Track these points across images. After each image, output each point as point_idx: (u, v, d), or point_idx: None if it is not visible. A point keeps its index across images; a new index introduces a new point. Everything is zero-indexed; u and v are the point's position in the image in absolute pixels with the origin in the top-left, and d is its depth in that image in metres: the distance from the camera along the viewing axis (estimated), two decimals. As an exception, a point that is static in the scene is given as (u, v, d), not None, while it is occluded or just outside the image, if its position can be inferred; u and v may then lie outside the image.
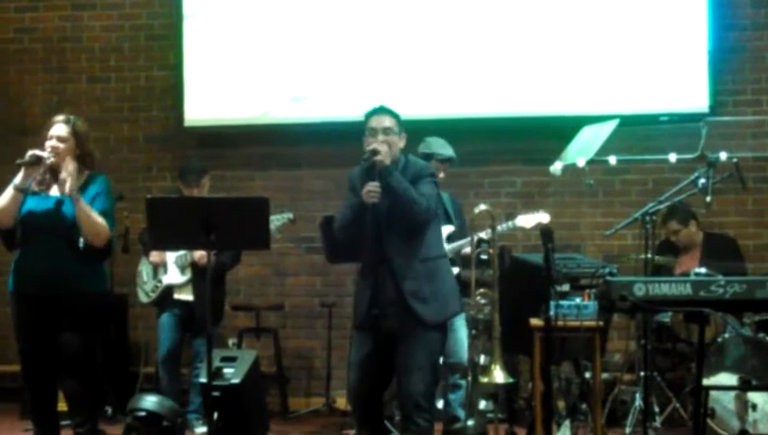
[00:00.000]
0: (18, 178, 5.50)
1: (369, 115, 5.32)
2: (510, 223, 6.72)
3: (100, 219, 5.52)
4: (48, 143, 5.55)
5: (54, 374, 5.60)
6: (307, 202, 8.41)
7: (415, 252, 5.18)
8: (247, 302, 8.46)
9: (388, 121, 5.28)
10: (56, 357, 5.53)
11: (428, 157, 6.62)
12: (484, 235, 6.37)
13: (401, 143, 5.33)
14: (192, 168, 7.49)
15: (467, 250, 6.54)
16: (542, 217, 6.77)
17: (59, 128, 5.60)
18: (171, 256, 7.26)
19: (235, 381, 6.53)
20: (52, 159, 5.51)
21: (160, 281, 7.33)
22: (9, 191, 5.52)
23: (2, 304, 7.65)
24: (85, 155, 5.64)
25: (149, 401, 6.39)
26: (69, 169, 5.43)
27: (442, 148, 6.69)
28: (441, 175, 6.70)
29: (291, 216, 7.06)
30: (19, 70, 8.96)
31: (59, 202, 5.52)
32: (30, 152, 5.49)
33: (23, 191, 5.51)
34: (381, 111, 5.33)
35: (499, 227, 6.50)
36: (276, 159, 8.62)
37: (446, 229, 6.49)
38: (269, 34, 8.49)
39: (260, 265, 8.56)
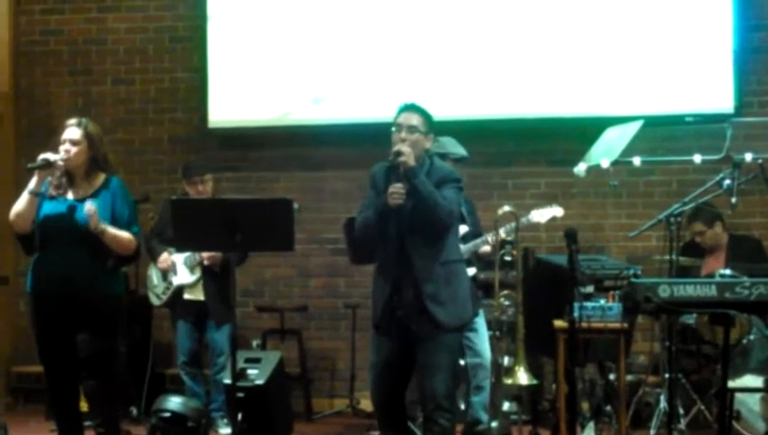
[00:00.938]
0: (32, 183, 5.55)
1: (400, 111, 5.34)
2: (524, 219, 6.65)
3: (126, 235, 5.57)
4: (61, 147, 5.59)
5: (75, 375, 5.64)
6: (330, 203, 8.43)
7: (436, 255, 5.20)
8: (271, 303, 8.48)
9: (415, 120, 5.29)
10: (75, 358, 5.57)
11: (443, 157, 6.61)
12: (503, 233, 6.36)
13: (427, 144, 5.34)
14: (195, 165, 7.46)
15: (485, 249, 6.53)
16: (556, 211, 6.72)
17: (71, 131, 5.63)
18: (180, 257, 7.27)
19: (260, 382, 6.55)
20: (63, 163, 5.54)
21: (171, 283, 7.35)
22: (25, 196, 5.56)
23: (25, 306, 7.74)
24: (99, 157, 5.67)
25: (174, 402, 6.42)
26: (91, 209, 5.45)
27: (455, 147, 6.67)
28: None
29: (296, 206, 7.03)
30: (44, 72, 9.02)
31: (73, 207, 5.55)
32: (41, 156, 5.53)
33: (38, 195, 5.55)
34: (412, 108, 5.34)
35: (513, 224, 6.49)
36: (300, 161, 8.64)
37: (461, 229, 6.47)
38: (291, 36, 8.50)
39: (284, 267, 8.58)
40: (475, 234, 6.59)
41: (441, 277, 5.19)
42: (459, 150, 6.63)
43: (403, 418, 5.42)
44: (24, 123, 8.99)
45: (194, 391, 7.23)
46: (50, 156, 5.53)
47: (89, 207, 5.45)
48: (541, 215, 6.69)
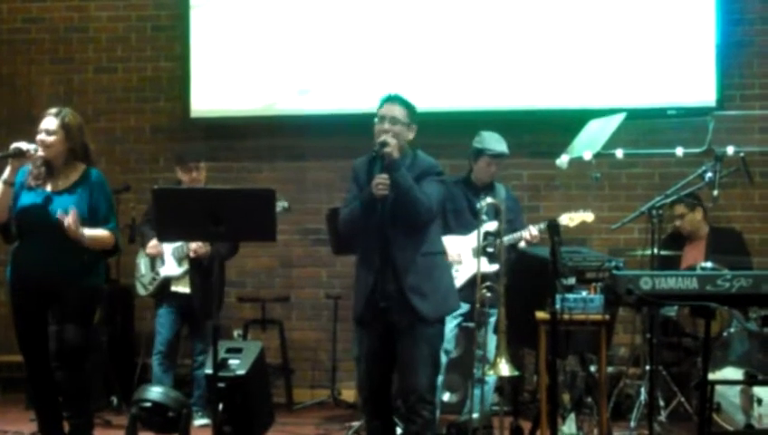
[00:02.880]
0: (6, 173, 5.52)
1: (383, 102, 5.35)
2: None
3: (104, 234, 5.56)
4: (37, 137, 5.56)
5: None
6: (313, 194, 8.42)
7: (417, 246, 5.21)
8: (253, 293, 8.46)
9: (397, 111, 5.29)
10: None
11: (480, 152, 6.64)
12: (535, 231, 6.41)
13: (410, 135, 5.34)
14: (191, 151, 7.44)
15: (521, 244, 6.54)
16: (587, 217, 6.74)
17: (48, 121, 5.59)
18: (168, 248, 7.23)
19: (241, 372, 6.52)
20: (38, 152, 5.50)
21: (158, 273, 7.31)
22: None
23: (5, 295, 7.69)
24: (76, 148, 5.63)
25: (155, 392, 6.38)
26: (71, 225, 5.38)
27: (495, 143, 6.67)
28: (493, 169, 6.70)
29: (286, 204, 7.00)
30: (26, 60, 8.97)
31: (49, 199, 5.53)
32: (13, 145, 5.49)
33: (12, 185, 5.51)
34: (394, 99, 5.35)
35: (540, 225, 6.50)
36: (282, 151, 8.62)
37: (491, 225, 6.40)
38: (275, 26, 8.48)
39: (266, 257, 8.56)
40: (512, 230, 6.57)
41: (422, 269, 5.20)
42: (498, 147, 6.64)
43: (389, 407, 5.44)
44: (4, 112, 8.93)
45: (161, 382, 7.15)
46: (22, 145, 5.49)
47: (68, 221, 5.39)
48: (571, 219, 6.70)
